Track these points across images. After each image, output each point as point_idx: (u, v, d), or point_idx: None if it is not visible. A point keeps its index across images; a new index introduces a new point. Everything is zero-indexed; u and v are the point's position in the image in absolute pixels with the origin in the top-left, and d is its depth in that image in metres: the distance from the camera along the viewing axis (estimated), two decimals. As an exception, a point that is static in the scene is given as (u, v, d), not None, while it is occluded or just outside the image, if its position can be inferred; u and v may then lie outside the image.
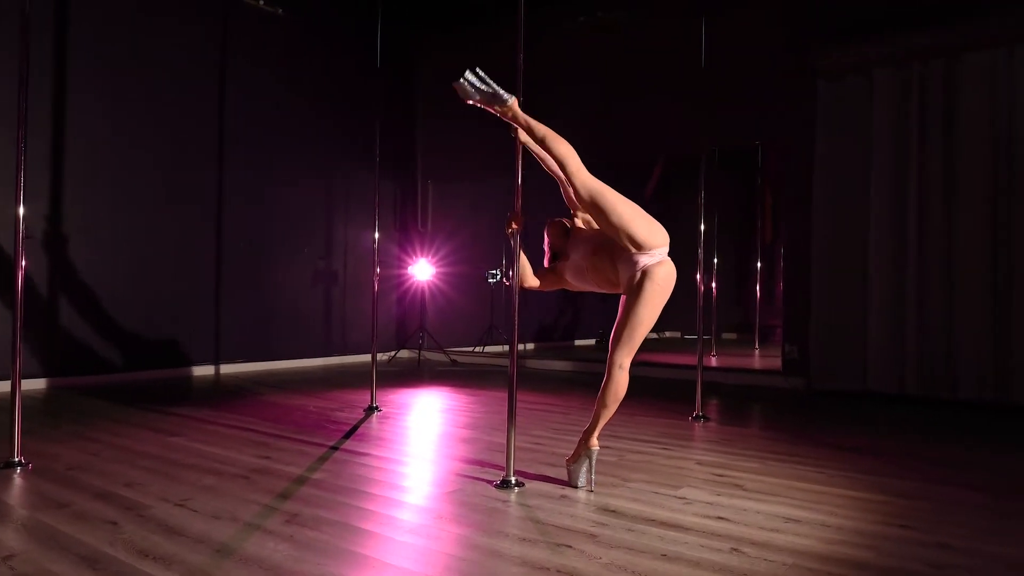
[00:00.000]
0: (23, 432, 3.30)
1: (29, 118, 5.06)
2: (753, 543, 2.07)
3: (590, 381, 5.99)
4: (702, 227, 4.49)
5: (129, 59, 5.71)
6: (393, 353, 7.69)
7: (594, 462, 2.66)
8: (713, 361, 7.53)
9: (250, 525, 2.19)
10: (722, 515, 2.33)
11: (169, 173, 5.96)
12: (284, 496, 2.50)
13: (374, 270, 4.58)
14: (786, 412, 4.62)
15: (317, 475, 2.80)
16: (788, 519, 2.30)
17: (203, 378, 5.91)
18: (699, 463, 3.06)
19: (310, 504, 2.41)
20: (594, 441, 2.66)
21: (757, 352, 8.92)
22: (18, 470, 2.84)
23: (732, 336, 10.68)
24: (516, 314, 2.80)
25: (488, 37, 6.89)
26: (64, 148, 5.35)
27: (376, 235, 4.62)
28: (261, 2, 6.51)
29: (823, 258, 5.43)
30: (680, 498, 2.53)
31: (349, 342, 7.31)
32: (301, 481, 2.71)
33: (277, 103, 6.72)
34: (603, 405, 2.65)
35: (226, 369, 6.30)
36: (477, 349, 7.88)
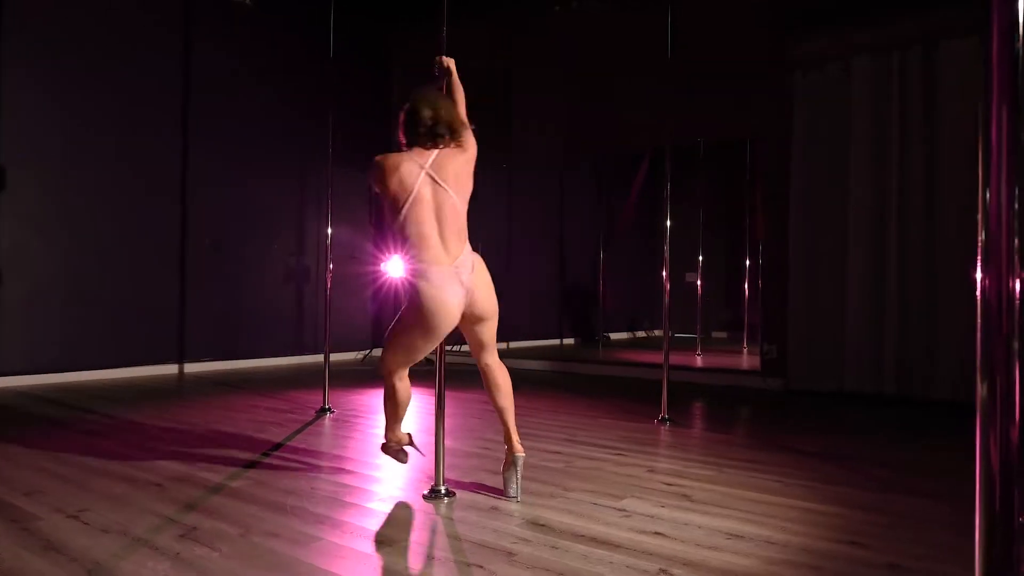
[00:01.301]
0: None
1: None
2: (685, 563, 1.89)
3: (566, 382, 5.82)
4: (668, 223, 4.28)
5: (86, 46, 5.52)
6: (368, 351, 7.50)
7: (520, 468, 2.47)
8: (698, 361, 7.34)
9: (138, 540, 2.00)
10: (659, 530, 2.15)
11: (130, 163, 5.77)
12: (191, 507, 2.32)
13: (326, 264, 4.39)
14: (759, 414, 4.44)
15: (236, 483, 2.62)
16: (731, 535, 2.12)
17: (165, 377, 5.73)
18: (651, 471, 2.88)
19: (215, 516, 2.23)
20: (518, 446, 2.47)
21: (746, 351, 8.73)
22: (-80, 477, 2.66)
23: (722, 335, 10.49)
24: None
25: (462, 31, 6.71)
26: (16, 135, 5.16)
27: (329, 230, 4.45)
28: (229, -9, 6.31)
29: (801, 255, 5.25)
30: (620, 510, 2.34)
31: (321, 340, 7.11)
32: (216, 490, 2.52)
33: (246, 95, 6.53)
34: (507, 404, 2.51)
35: (191, 368, 6.12)
36: (453, 348, 7.69)
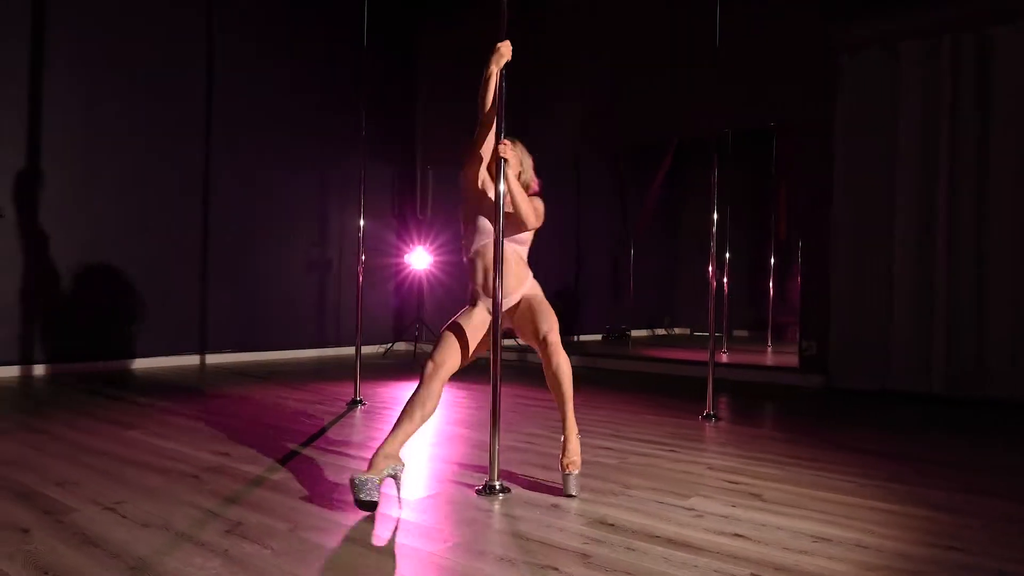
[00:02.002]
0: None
1: (4, 97, 4.82)
2: (777, 568, 1.73)
3: (593, 377, 5.65)
4: (715, 216, 4.11)
5: (111, 37, 5.41)
6: (389, 345, 7.37)
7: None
8: (724, 358, 7.17)
9: (181, 535, 1.86)
10: (739, 531, 1.99)
11: (154, 156, 5.65)
12: (232, 500, 2.18)
13: (359, 257, 4.25)
14: (804, 412, 4.26)
15: (277, 476, 2.48)
16: (817, 537, 1.96)
17: (187, 368, 5.61)
18: (710, 468, 2.71)
19: (259, 510, 2.09)
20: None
21: (770, 350, 8.54)
22: (-54, 465, 2.53)
23: (744, 333, 10.29)
24: (498, 292, 2.46)
25: (486, 19, 6.56)
26: (40, 128, 5.05)
27: (362, 222, 4.30)
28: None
29: (844, 248, 5.06)
30: (689, 509, 2.19)
31: (343, 333, 7.00)
32: (257, 483, 2.38)
33: (270, 85, 6.41)
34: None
35: (212, 359, 6.00)
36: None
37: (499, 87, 2.43)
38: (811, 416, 4.13)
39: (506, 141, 2.39)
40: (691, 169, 10.52)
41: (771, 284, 9.69)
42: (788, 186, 10.28)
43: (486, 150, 2.48)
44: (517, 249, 2.52)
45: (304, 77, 6.67)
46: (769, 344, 8.97)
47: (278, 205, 6.50)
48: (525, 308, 2.47)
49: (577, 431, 2.41)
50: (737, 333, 10.06)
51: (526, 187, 2.55)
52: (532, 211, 2.47)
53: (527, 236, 2.55)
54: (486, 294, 2.47)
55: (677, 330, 10.82)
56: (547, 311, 2.45)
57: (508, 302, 2.48)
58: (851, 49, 5.01)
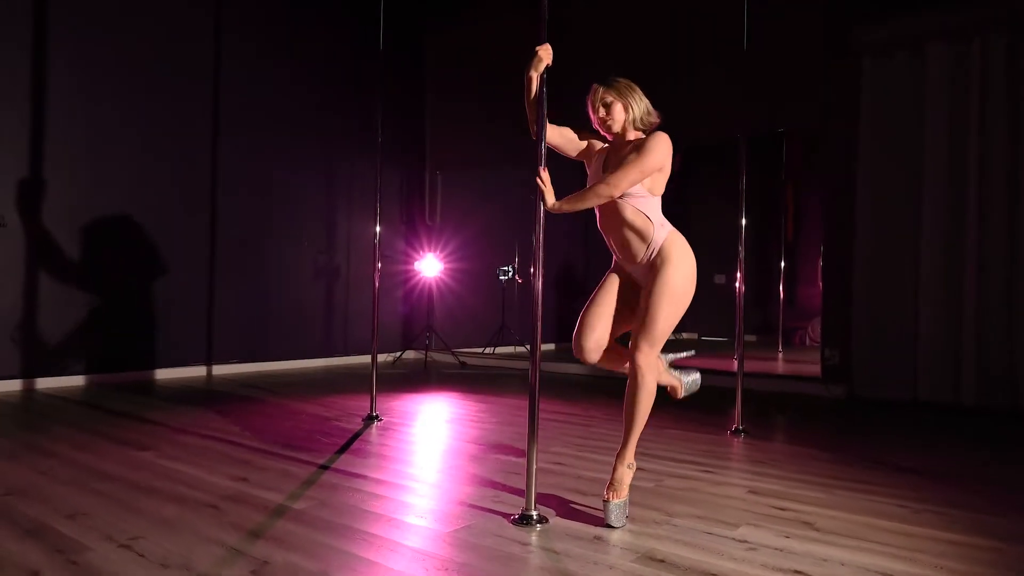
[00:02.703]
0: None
1: (7, 99, 4.69)
2: (849, 612, 1.60)
3: (612, 387, 5.52)
4: (743, 221, 3.99)
5: (118, 38, 5.28)
6: (399, 354, 7.24)
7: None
8: (735, 364, 7.03)
9: (205, 578, 1.73)
10: (799, 567, 1.86)
11: (161, 163, 5.52)
12: (256, 534, 2.05)
13: (375, 266, 4.11)
14: (833, 425, 4.13)
15: (300, 504, 2.35)
16: (883, 573, 1.83)
17: (193, 379, 5.48)
18: (752, 491, 2.58)
19: (285, 546, 1.96)
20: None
21: (780, 355, 8.42)
22: (-51, 494, 2.40)
23: (752, 339, 10.18)
24: (539, 301, 2.33)
25: (498, 18, 6.45)
26: (44, 133, 4.92)
27: (378, 228, 4.16)
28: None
29: (868, 255, 4.94)
30: (740, 541, 2.06)
31: (351, 342, 6.87)
32: (279, 512, 2.25)
33: (277, 90, 6.29)
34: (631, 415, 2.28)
35: (219, 370, 5.87)
36: (487, 350, 7.41)
37: (540, 92, 2.31)
38: (841, 429, 4.00)
39: (543, 170, 2.31)
40: (699, 173, 10.41)
41: (781, 289, 9.59)
42: (796, 189, 10.19)
43: (563, 142, 2.44)
44: (632, 203, 2.26)
45: (311, 82, 6.55)
46: (780, 350, 8.86)
47: (285, 212, 6.38)
48: (649, 285, 2.24)
49: (629, 460, 2.27)
50: (746, 338, 9.95)
51: (644, 124, 2.37)
52: (614, 184, 2.21)
53: (638, 188, 2.26)
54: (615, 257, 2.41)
55: (685, 335, 10.70)
56: (657, 313, 2.20)
57: (637, 266, 2.32)
58: (874, 50, 4.89)
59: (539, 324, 2.32)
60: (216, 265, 5.87)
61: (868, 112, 4.92)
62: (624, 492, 2.21)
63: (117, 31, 5.30)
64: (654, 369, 2.25)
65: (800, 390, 5.29)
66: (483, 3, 6.84)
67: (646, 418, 2.26)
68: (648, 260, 2.27)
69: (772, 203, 9.83)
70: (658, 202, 2.30)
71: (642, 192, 2.25)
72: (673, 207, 9.48)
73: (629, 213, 2.26)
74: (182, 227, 5.68)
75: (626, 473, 2.25)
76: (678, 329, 10.31)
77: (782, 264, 9.82)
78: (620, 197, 2.25)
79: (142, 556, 1.87)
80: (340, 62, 6.71)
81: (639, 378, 2.22)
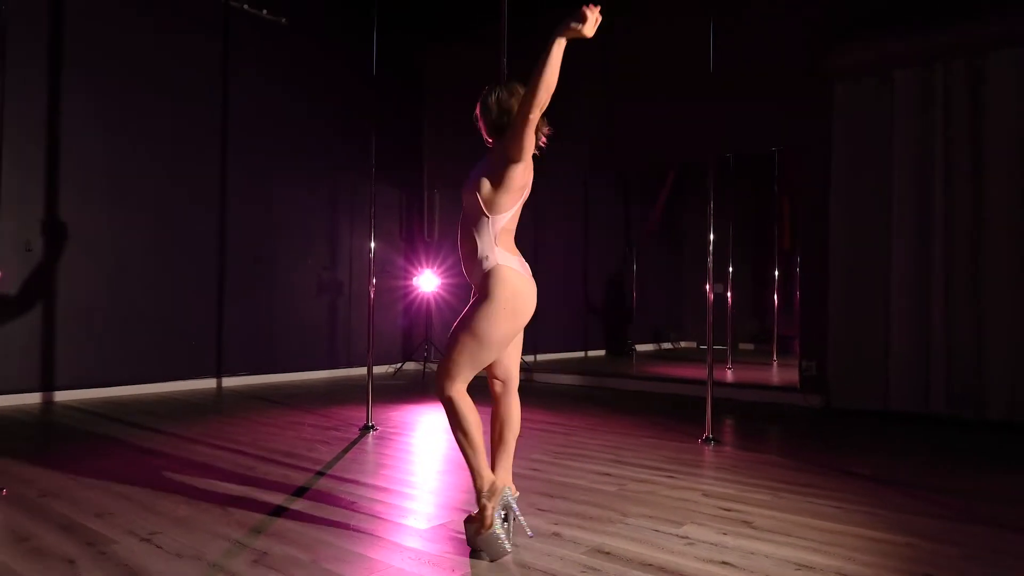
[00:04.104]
0: (6, 452, 3.22)
1: (23, 127, 5.04)
2: (759, 595, 1.88)
3: (600, 396, 5.81)
4: (711, 236, 4.28)
5: (129, 66, 5.65)
6: (399, 365, 7.54)
7: (516, 508, 2.22)
8: (728, 375, 7.30)
9: (214, 566, 2.03)
10: (727, 559, 2.14)
11: (171, 182, 5.88)
12: (257, 531, 2.35)
13: (369, 280, 4.42)
14: (803, 434, 4.40)
15: (297, 506, 2.65)
16: (800, 565, 2.10)
17: (204, 392, 5.80)
18: (705, 495, 2.86)
19: (283, 541, 2.26)
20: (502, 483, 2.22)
21: (775, 363, 8.66)
22: (-10, 496, 2.72)
23: (749, 347, 10.42)
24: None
25: (492, 43, 6.77)
26: (60, 156, 5.28)
27: (372, 244, 4.46)
28: (264, 12, 6.42)
29: (841, 269, 5.21)
30: (682, 537, 2.34)
31: (353, 354, 7.18)
32: (279, 513, 2.55)
33: (280, 112, 6.63)
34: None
35: (228, 383, 6.19)
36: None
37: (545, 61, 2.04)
38: (809, 438, 4.26)
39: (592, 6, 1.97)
40: (696, 184, 10.70)
41: (775, 296, 9.84)
42: (791, 200, 10.45)
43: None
44: (466, 225, 2.22)
45: (313, 107, 6.89)
46: (774, 357, 9.10)
47: (290, 231, 6.71)
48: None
49: (484, 490, 2.19)
50: (743, 346, 10.20)
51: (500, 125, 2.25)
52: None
53: (474, 208, 2.18)
54: None
55: (683, 343, 10.96)
56: (452, 342, 2.17)
57: None
58: (845, 76, 5.17)
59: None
60: (225, 283, 6.20)
61: (840, 133, 5.20)
62: (488, 523, 2.11)
63: (130, 63, 5.66)
64: (459, 397, 2.16)
65: (780, 400, 5.55)
66: (478, 26, 7.17)
67: (474, 445, 2.16)
68: (475, 288, 2.23)
69: (767, 213, 10.10)
70: (495, 225, 2.17)
71: (480, 211, 2.17)
72: (669, 223, 9.73)
73: (462, 235, 2.23)
74: (193, 248, 6.02)
75: (485, 506, 2.13)
76: (676, 336, 10.62)
77: (775, 273, 10.08)
78: (460, 219, 2.24)
79: (160, 548, 2.17)
80: (341, 87, 7.05)
81: (444, 410, 2.20)
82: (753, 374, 7.31)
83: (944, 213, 4.78)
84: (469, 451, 2.17)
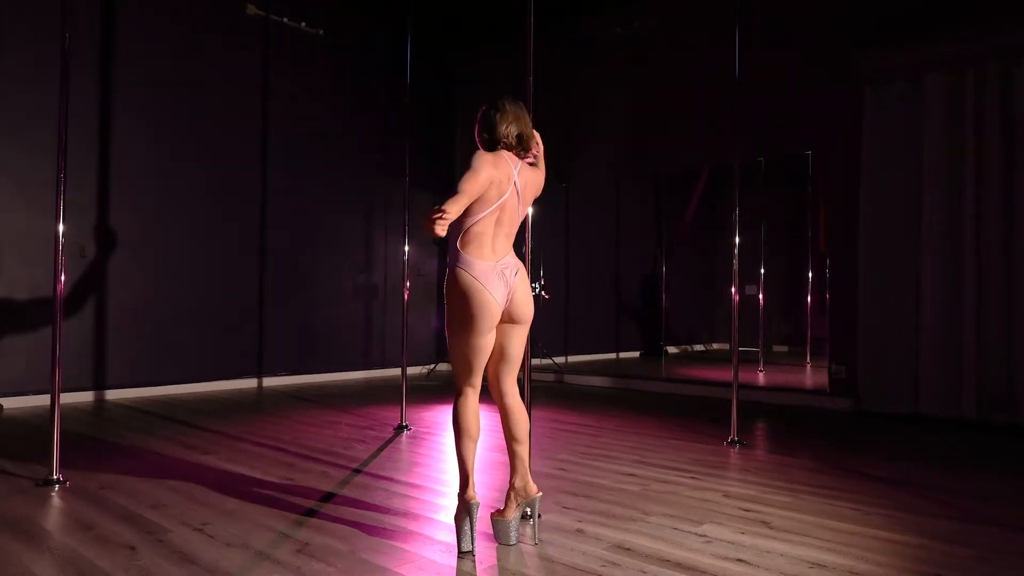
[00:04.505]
0: (66, 446, 3.45)
1: (79, 139, 5.34)
2: (771, 591, 1.98)
3: (629, 398, 5.89)
4: (736, 239, 4.35)
5: (174, 80, 5.92)
6: (432, 366, 7.72)
7: (536, 508, 2.38)
8: (760, 377, 7.31)
9: (260, 554, 2.20)
10: (742, 556, 2.23)
11: (213, 189, 6.14)
12: (299, 523, 2.52)
13: (404, 283, 4.58)
14: (830, 437, 4.43)
15: (335, 500, 2.81)
16: (814, 563, 2.19)
17: (246, 391, 6.05)
18: (727, 495, 2.95)
19: (323, 532, 2.42)
20: (533, 485, 2.37)
21: (808, 365, 8.62)
22: (56, 488, 2.94)
23: (783, 349, 10.36)
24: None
25: (521, 49, 6.89)
26: (110, 169, 5.58)
27: (406, 247, 4.63)
28: (303, 24, 6.66)
29: (872, 273, 5.21)
30: (701, 536, 2.43)
31: (388, 355, 7.38)
32: (319, 506, 2.72)
33: (317, 119, 6.87)
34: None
35: (269, 382, 6.44)
36: (547, 356, 7.83)
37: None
38: (835, 442, 4.29)
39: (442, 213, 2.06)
40: (729, 186, 10.68)
41: (809, 298, 9.78)
42: (825, 202, 10.36)
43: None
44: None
45: (350, 112, 7.12)
46: (808, 360, 9.06)
47: (327, 235, 6.94)
48: None
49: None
50: (777, 348, 10.15)
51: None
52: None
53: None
54: None
55: (716, 346, 10.95)
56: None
57: None
58: (875, 82, 5.17)
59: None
60: (265, 287, 6.45)
61: (870, 137, 5.20)
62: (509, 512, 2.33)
63: (176, 77, 5.94)
64: (457, 403, 2.32)
65: (809, 403, 5.57)
66: (508, 32, 7.31)
67: (458, 452, 2.31)
68: None
69: (801, 214, 10.04)
70: (465, 227, 2.26)
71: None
72: (701, 225, 9.76)
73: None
74: (235, 253, 6.29)
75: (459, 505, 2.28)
76: (709, 338, 10.62)
77: (809, 275, 10.01)
78: None
79: (211, 537, 2.35)
80: (375, 94, 7.26)
81: (520, 401, 2.39)
82: (784, 377, 7.31)
83: (974, 216, 4.76)
84: (458, 455, 2.33)
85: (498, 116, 2.40)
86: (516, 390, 2.42)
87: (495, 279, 2.27)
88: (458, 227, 2.29)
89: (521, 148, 2.44)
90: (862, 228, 5.26)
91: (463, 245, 2.28)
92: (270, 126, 6.50)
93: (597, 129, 6.98)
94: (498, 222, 2.32)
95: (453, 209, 2.10)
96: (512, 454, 2.39)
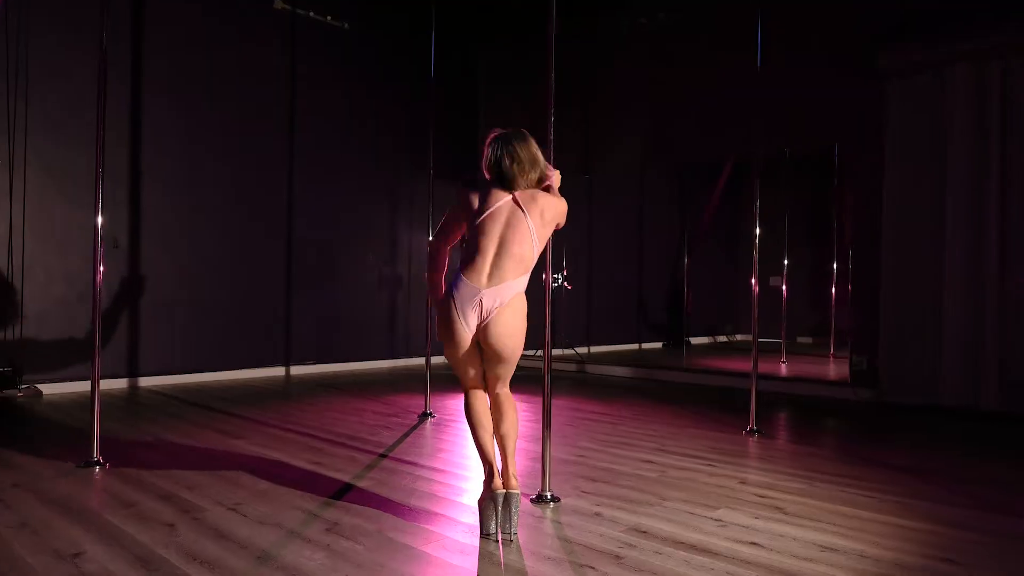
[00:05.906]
0: (106, 431, 3.61)
1: (110, 135, 5.50)
2: (781, 572, 2.04)
3: (650, 389, 5.95)
4: (757, 231, 4.38)
5: (203, 72, 6.07)
6: (455, 356, 7.83)
7: (514, 506, 2.32)
8: (783, 368, 7.31)
9: (292, 532, 2.32)
10: (756, 540, 2.30)
11: (241, 182, 6.29)
12: (328, 504, 2.63)
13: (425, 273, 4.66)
14: (849, 427, 4.45)
15: (363, 483, 2.92)
16: (825, 547, 2.24)
17: (273, 379, 6.22)
18: (742, 482, 3.01)
19: (351, 513, 2.53)
20: (513, 481, 2.36)
21: (832, 357, 8.59)
22: (97, 469, 3.09)
23: (808, 340, 10.32)
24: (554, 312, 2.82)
25: (544, 43, 6.93)
26: (141, 162, 5.74)
27: (430, 239, 4.71)
28: (328, 18, 6.77)
29: (893, 265, 5.19)
30: (716, 520, 2.50)
31: (412, 345, 7.51)
32: (347, 489, 2.83)
33: (343, 112, 6.98)
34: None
35: (296, 370, 6.60)
36: (536, 352, 7.92)
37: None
38: (854, 432, 4.31)
39: None
40: (750, 186, 10.63)
41: (833, 290, 9.72)
42: (851, 193, 10.27)
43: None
44: None
45: (375, 105, 7.22)
46: (832, 351, 9.01)
47: (353, 227, 7.07)
48: None
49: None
50: (801, 339, 10.11)
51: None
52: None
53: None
54: None
55: (739, 337, 10.93)
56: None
57: None
58: (898, 74, 5.13)
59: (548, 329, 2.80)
60: (293, 278, 6.60)
61: (893, 129, 5.17)
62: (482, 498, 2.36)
63: (205, 72, 6.08)
64: (466, 396, 2.50)
65: (830, 394, 5.58)
66: (532, 26, 7.35)
67: (475, 439, 2.44)
68: None
69: (826, 206, 9.96)
70: (463, 249, 2.45)
71: None
72: (724, 217, 9.75)
73: None
74: (263, 245, 6.44)
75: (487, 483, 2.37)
76: (732, 329, 10.59)
77: (834, 266, 9.93)
78: None
79: (245, 516, 2.48)
80: (399, 87, 7.35)
81: (511, 400, 2.50)
82: (806, 368, 7.30)
83: (998, 209, 4.72)
84: (476, 446, 2.45)
85: (485, 149, 2.51)
86: (507, 390, 2.49)
87: (470, 308, 2.33)
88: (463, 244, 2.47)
89: (504, 181, 2.43)
90: (885, 220, 5.23)
91: (460, 261, 2.42)
92: (296, 118, 6.63)
93: (621, 120, 7.00)
94: (502, 240, 2.36)
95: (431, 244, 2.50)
96: (501, 454, 2.41)
